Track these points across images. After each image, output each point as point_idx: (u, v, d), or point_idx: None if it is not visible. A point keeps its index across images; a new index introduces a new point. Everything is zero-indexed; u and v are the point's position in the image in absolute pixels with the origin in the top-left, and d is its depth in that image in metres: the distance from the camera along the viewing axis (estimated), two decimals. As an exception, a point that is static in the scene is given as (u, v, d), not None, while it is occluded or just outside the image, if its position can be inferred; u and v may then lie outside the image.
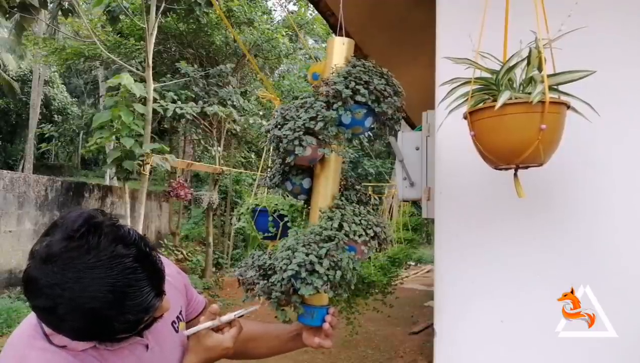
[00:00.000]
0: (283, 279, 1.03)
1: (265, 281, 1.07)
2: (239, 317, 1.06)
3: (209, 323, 1.02)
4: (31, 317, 0.89)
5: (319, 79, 1.32)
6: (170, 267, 1.10)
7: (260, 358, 1.28)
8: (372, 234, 1.10)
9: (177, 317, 1.07)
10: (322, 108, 1.12)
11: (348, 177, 1.30)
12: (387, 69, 1.18)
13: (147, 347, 0.96)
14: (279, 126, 1.14)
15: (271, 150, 1.20)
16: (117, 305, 0.77)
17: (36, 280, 0.76)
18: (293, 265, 1.01)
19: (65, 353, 0.84)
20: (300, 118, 1.12)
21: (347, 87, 1.11)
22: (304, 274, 1.01)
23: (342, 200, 1.19)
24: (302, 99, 1.18)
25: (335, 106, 1.12)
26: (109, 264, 0.76)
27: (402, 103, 1.17)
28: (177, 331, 1.06)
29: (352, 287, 1.09)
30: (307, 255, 1.02)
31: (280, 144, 1.12)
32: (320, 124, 1.10)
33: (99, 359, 0.87)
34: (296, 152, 1.10)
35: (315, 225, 1.12)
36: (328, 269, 1.01)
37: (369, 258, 1.20)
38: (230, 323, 1.05)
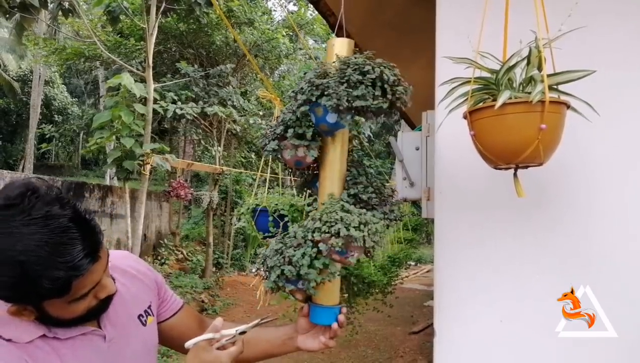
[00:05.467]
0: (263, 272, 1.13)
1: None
2: (240, 333, 1.02)
3: (208, 335, 0.99)
4: None
5: None
6: (140, 264, 1.15)
7: (252, 362, 1.25)
8: (334, 232, 1.05)
9: (145, 311, 1.08)
10: (288, 112, 1.19)
11: (353, 176, 1.29)
12: (370, 60, 1.12)
13: (104, 338, 0.96)
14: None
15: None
16: (46, 261, 0.77)
17: None
18: (260, 259, 1.13)
19: (10, 345, 0.84)
20: (278, 126, 1.21)
21: (295, 90, 1.18)
22: (262, 269, 1.11)
23: (330, 201, 1.18)
24: None
25: (294, 108, 1.17)
26: (43, 222, 0.78)
27: (383, 93, 1.09)
28: (144, 324, 1.06)
29: (314, 284, 1.07)
30: (275, 252, 1.10)
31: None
32: (281, 128, 1.18)
33: (46, 351, 0.87)
34: (265, 157, 1.21)
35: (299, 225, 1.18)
36: (280, 265, 1.08)
37: (370, 258, 1.16)
38: (234, 343, 1.02)
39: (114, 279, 0.95)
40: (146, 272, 1.15)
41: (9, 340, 0.85)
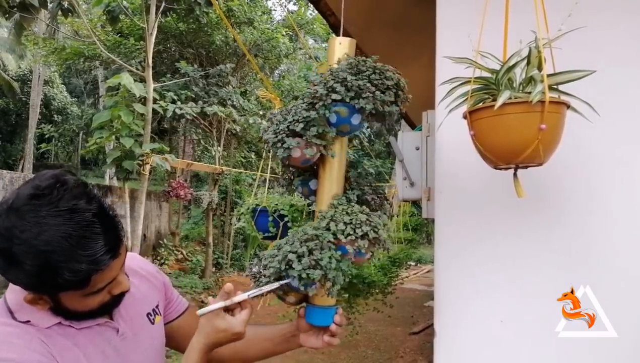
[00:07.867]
0: (269, 277, 1.04)
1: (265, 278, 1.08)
2: (252, 297, 1.02)
3: (221, 303, 0.99)
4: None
5: None
6: (149, 266, 1.18)
7: (252, 362, 1.25)
8: (360, 233, 1.07)
9: (153, 310, 1.10)
10: (303, 109, 1.13)
11: (354, 177, 1.30)
12: (382, 64, 1.15)
13: (117, 331, 0.98)
14: (266, 130, 1.18)
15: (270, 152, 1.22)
16: (69, 253, 0.79)
17: None
18: (274, 263, 1.03)
19: (28, 327, 0.87)
20: (285, 120, 1.14)
21: (324, 86, 1.11)
22: (283, 272, 1.02)
23: (339, 201, 1.18)
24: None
25: (317, 106, 1.12)
26: (69, 215, 0.79)
27: (395, 98, 1.13)
28: (152, 323, 1.09)
29: (339, 287, 1.07)
30: (288, 253, 1.03)
31: (269, 147, 1.15)
32: (300, 125, 1.11)
33: (64, 337, 0.90)
34: (277, 154, 1.12)
35: (309, 225, 1.12)
36: (308, 268, 1.01)
37: (372, 258, 1.17)
38: (241, 305, 1.02)
39: (127, 276, 0.97)
40: (155, 273, 1.17)
41: (26, 322, 0.87)
